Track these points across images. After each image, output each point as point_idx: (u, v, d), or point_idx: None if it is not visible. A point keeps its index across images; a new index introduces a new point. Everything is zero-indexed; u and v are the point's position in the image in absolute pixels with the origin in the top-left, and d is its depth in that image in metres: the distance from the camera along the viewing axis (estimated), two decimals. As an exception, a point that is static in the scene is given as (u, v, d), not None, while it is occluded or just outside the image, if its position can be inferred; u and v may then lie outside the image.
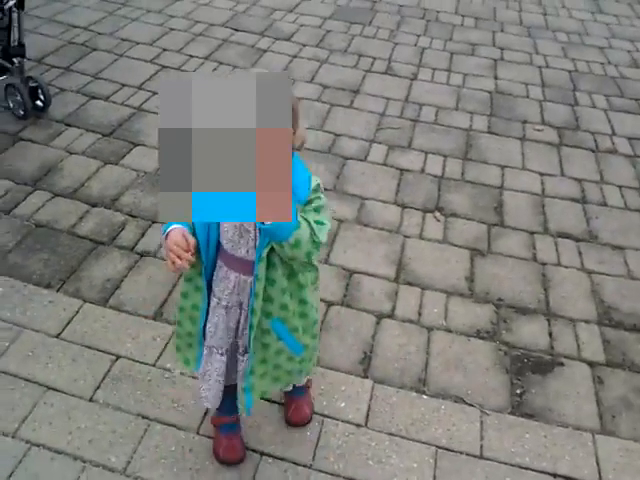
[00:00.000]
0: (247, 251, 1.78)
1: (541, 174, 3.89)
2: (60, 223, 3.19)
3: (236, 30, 5.39)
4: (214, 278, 1.87)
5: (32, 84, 3.94)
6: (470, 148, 4.08)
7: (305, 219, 1.70)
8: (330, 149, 3.97)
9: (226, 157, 1.36)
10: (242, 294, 1.85)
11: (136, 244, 3.10)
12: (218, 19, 5.55)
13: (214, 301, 1.88)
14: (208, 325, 1.92)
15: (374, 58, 5.15)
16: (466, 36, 5.66)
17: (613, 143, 4.26)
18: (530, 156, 4.05)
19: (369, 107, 4.46)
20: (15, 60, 3.89)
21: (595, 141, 4.26)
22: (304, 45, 5.25)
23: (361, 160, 3.90)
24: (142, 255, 3.03)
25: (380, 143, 4.07)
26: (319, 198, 1.76)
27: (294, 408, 2.36)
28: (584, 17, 6.35)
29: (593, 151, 4.16)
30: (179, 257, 1.65)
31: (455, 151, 4.04)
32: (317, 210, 1.77)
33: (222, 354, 1.95)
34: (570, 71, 5.19)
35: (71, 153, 3.72)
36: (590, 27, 6.10)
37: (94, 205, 3.34)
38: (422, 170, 3.84)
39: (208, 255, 1.81)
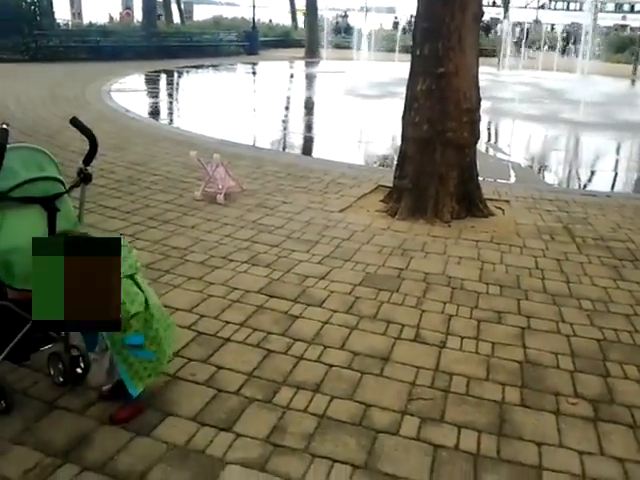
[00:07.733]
0: None
1: (580, 452, 3.77)
2: (85, 502, 3.11)
3: (270, 296, 5.67)
4: None
5: (74, 353, 4.10)
6: (504, 423, 4.02)
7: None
8: (361, 421, 3.94)
9: None
10: None
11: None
12: (254, 286, 5.87)
13: None
14: None
15: (402, 325, 5.30)
16: (492, 304, 5.85)
17: (651, 418, 4.16)
18: (566, 432, 3.96)
19: (399, 376, 4.50)
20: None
21: (632, 416, 4.17)
22: (335, 311, 5.46)
23: (393, 434, 3.85)
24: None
25: (412, 415, 4.04)
26: None
27: None
28: (607, 284, 6.54)
29: (631, 427, 4.06)
30: None
31: (489, 426, 3.98)
32: None
33: None
34: (599, 340, 5.25)
35: (103, 423, 3.74)
36: (614, 294, 6.27)
37: (121, 482, 3.28)
38: (456, 447, 3.76)
39: None
